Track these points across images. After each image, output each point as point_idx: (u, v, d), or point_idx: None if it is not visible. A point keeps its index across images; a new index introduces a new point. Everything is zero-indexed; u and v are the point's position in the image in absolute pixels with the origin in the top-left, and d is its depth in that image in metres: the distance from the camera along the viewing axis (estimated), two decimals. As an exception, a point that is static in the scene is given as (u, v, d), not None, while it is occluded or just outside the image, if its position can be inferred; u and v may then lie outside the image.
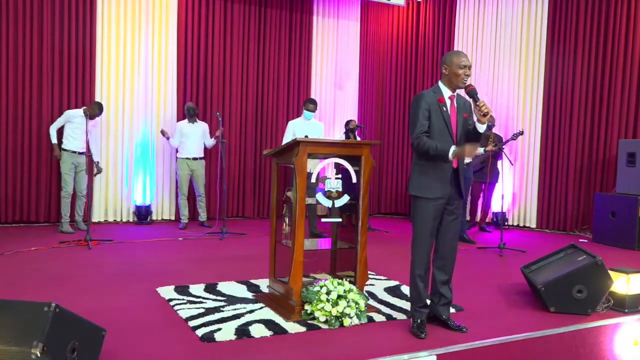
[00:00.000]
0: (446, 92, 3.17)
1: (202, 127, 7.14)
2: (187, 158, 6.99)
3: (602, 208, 6.67)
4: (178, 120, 7.49)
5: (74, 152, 6.31)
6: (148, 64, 7.37)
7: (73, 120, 6.29)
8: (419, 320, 3.17)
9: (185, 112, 7.08)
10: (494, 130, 7.21)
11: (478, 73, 8.39)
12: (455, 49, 8.54)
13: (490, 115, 5.97)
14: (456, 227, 3.27)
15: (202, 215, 7.19)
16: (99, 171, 6.53)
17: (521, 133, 6.90)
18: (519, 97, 8.00)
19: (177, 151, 7.17)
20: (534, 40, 7.86)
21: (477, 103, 3.04)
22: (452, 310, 3.60)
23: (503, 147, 6.46)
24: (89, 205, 6.15)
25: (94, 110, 6.39)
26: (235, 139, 7.95)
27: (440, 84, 3.20)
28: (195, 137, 7.02)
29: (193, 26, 7.61)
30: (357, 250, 3.57)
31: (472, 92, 3.11)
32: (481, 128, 3.12)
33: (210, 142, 7.19)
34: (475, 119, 3.12)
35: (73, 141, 6.30)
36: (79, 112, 6.30)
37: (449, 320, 3.26)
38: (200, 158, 7.10)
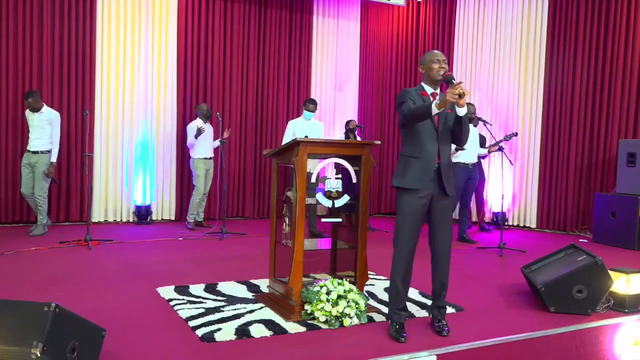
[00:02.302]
0: (428, 90, 3.20)
1: (211, 128, 7.15)
2: (205, 158, 6.96)
3: (602, 208, 6.67)
4: (178, 120, 7.50)
5: (29, 151, 6.04)
6: (148, 64, 7.37)
7: (28, 119, 6.09)
8: (397, 324, 3.09)
9: (198, 113, 7.00)
10: (489, 129, 7.21)
11: (478, 73, 8.39)
12: (455, 49, 8.58)
13: (474, 107, 5.83)
14: (446, 226, 3.20)
15: (201, 215, 7.18)
16: (48, 175, 6.05)
17: (515, 134, 6.90)
18: (519, 97, 8.00)
19: (188, 151, 7.09)
20: (534, 40, 7.86)
21: (454, 85, 2.94)
22: (452, 310, 3.61)
23: (503, 146, 6.46)
24: (89, 205, 6.13)
25: (27, 102, 5.99)
26: (235, 139, 7.95)
27: (422, 84, 3.23)
28: (209, 137, 7.03)
29: (193, 26, 7.61)
30: (357, 250, 3.57)
31: (448, 77, 3.09)
32: (461, 112, 3.08)
33: (215, 143, 7.18)
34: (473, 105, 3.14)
35: (29, 140, 6.06)
36: (28, 110, 6.09)
37: (439, 322, 3.21)
38: (213, 158, 7.12)
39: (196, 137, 6.77)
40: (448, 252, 3.22)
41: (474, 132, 6.48)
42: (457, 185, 6.31)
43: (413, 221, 3.10)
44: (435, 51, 3.21)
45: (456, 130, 3.18)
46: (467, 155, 6.26)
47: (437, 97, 3.03)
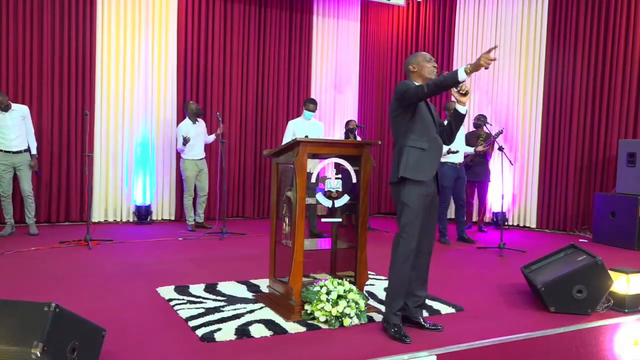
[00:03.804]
0: None
1: (202, 125, 7.12)
2: (195, 159, 6.93)
3: (602, 208, 6.67)
4: (178, 120, 7.48)
5: (8, 151, 5.88)
6: (148, 64, 7.37)
7: None
8: (397, 326, 3.06)
9: (187, 112, 6.97)
10: (489, 129, 7.20)
11: (478, 73, 8.38)
12: (455, 49, 8.60)
13: (454, 103, 5.79)
14: (435, 224, 3.25)
15: (201, 216, 7.16)
16: (31, 167, 6.07)
17: (501, 132, 6.91)
18: (519, 97, 8.01)
19: (180, 152, 7.07)
20: (534, 40, 7.86)
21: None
22: (452, 310, 3.61)
23: (504, 146, 6.46)
24: (89, 205, 6.12)
25: None
26: (235, 139, 7.95)
27: (412, 81, 3.20)
28: (200, 137, 6.98)
29: (193, 26, 7.61)
30: (357, 250, 3.57)
31: None
32: (462, 109, 3.12)
33: (210, 138, 7.17)
34: (455, 102, 3.12)
35: (3, 141, 5.86)
36: None
37: (424, 321, 3.23)
38: (205, 158, 7.10)
39: (184, 144, 6.72)
40: (432, 249, 3.25)
41: (460, 131, 6.48)
42: (446, 184, 6.30)
43: (421, 217, 3.07)
44: (425, 52, 3.26)
45: (452, 127, 3.20)
46: (455, 154, 6.26)
47: (468, 64, 2.90)
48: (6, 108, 5.86)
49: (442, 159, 6.31)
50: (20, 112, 5.97)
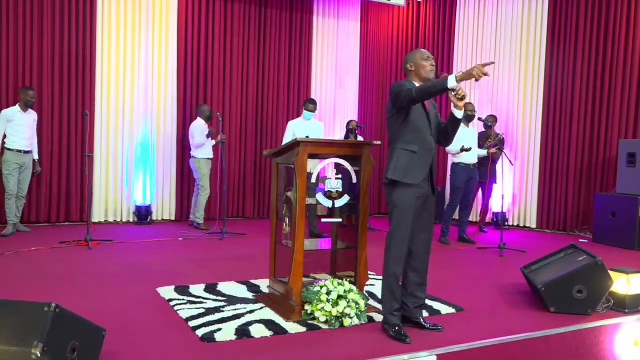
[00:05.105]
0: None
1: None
2: (209, 158, 6.98)
3: (602, 208, 6.67)
4: (178, 120, 7.50)
5: (19, 150, 5.93)
6: (148, 64, 7.37)
7: (12, 118, 5.89)
8: (397, 326, 3.06)
9: (199, 113, 7.02)
10: (497, 129, 7.19)
11: (478, 73, 8.37)
12: (455, 49, 8.60)
13: (472, 105, 5.79)
14: (432, 225, 3.24)
15: None
16: (37, 171, 6.25)
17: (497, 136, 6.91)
18: (519, 97, 8.01)
19: (189, 150, 7.08)
20: (534, 40, 7.86)
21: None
22: (452, 310, 3.61)
23: (503, 148, 6.46)
24: (89, 205, 6.11)
25: (25, 96, 5.93)
26: (235, 139, 7.95)
27: (410, 80, 3.19)
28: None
29: (193, 26, 7.61)
30: (357, 250, 3.57)
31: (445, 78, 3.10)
32: (458, 114, 3.09)
33: (212, 142, 7.19)
34: (452, 106, 3.10)
35: (18, 139, 5.91)
36: (16, 108, 5.95)
37: (424, 321, 3.23)
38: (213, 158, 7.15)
39: (207, 136, 6.77)
40: (430, 246, 3.23)
41: (473, 132, 6.47)
42: (457, 185, 6.29)
43: (411, 217, 3.07)
44: (423, 49, 3.23)
45: (448, 129, 3.19)
46: (468, 155, 6.24)
47: (459, 72, 2.89)
48: (30, 106, 6.04)
49: (455, 159, 6.30)
50: (33, 115, 6.17)
